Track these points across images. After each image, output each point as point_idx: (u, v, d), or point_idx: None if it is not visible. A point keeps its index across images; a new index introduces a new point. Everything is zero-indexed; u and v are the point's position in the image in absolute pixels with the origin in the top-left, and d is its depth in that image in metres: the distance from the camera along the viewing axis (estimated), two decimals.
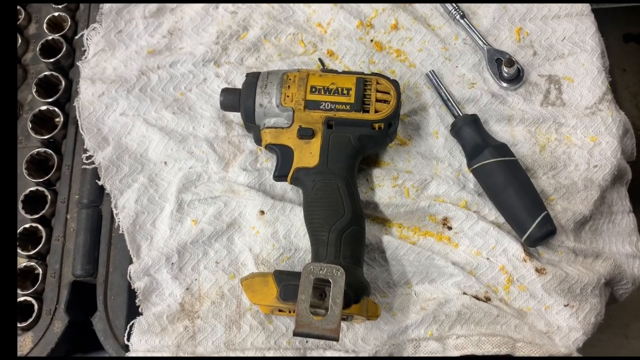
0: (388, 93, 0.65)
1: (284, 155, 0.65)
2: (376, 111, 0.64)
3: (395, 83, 0.66)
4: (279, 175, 0.65)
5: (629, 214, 0.70)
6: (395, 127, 0.66)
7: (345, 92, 0.64)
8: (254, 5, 0.78)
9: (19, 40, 0.79)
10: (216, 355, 0.62)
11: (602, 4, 0.74)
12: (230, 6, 0.78)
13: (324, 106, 0.64)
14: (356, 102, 0.64)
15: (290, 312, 0.61)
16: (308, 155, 0.64)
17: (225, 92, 0.68)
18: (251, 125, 0.67)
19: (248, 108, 0.66)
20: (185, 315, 0.64)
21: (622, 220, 0.69)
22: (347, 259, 0.59)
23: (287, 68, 0.74)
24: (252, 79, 0.66)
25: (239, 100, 0.67)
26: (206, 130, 0.72)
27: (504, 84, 0.72)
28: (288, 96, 0.65)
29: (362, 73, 0.67)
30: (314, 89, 0.65)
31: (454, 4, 0.75)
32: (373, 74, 0.67)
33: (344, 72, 0.67)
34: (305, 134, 0.65)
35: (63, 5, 0.80)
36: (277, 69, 0.68)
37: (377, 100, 0.64)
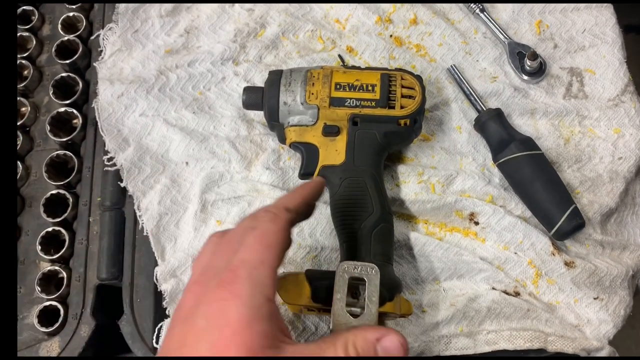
0: (413, 88, 0.65)
1: (309, 153, 0.65)
2: (402, 107, 0.64)
3: (419, 78, 0.66)
4: (305, 174, 0.65)
5: None
6: (421, 123, 0.66)
7: (370, 88, 0.64)
8: (270, 2, 0.77)
9: (34, 42, 0.78)
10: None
11: None
12: (246, 3, 0.78)
13: (349, 103, 0.64)
14: (382, 98, 0.63)
15: (319, 311, 0.60)
16: (334, 152, 0.64)
17: (247, 90, 0.67)
18: (275, 123, 0.66)
19: (272, 106, 0.65)
20: None
21: None
22: (377, 257, 0.59)
23: (307, 65, 0.73)
24: (275, 76, 0.66)
25: (262, 98, 0.66)
26: (227, 130, 0.71)
27: (526, 77, 0.72)
28: (312, 94, 0.64)
29: (386, 69, 0.66)
30: (338, 86, 0.64)
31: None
32: (397, 69, 0.66)
33: (367, 68, 0.66)
34: (331, 131, 0.64)
35: (77, 6, 0.79)
36: (299, 67, 0.68)
37: (403, 96, 0.64)
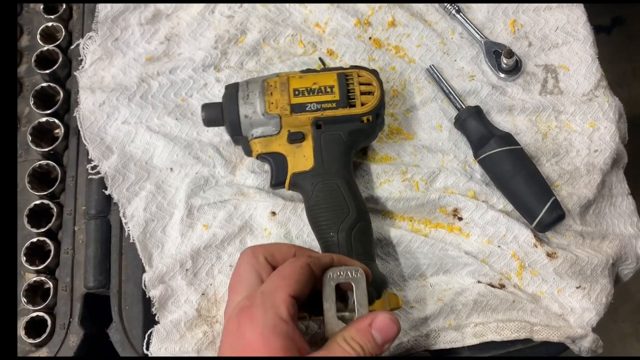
0: (370, 84, 0.65)
1: (277, 162, 0.64)
2: (362, 104, 0.64)
3: (375, 73, 0.66)
4: (276, 184, 0.64)
5: (627, 196, 0.72)
6: (383, 117, 0.66)
7: (329, 90, 0.64)
8: (250, 8, 0.78)
9: None
10: None
11: None
12: (226, 10, 0.78)
13: (310, 107, 0.63)
14: (341, 98, 0.63)
15: (309, 317, 0.60)
16: (302, 159, 0.64)
17: (206, 107, 0.65)
18: (238, 137, 0.65)
19: (233, 121, 0.64)
20: (202, 321, 0.64)
21: (622, 203, 0.71)
22: (360, 256, 0.59)
23: (288, 70, 0.73)
24: (232, 90, 0.65)
25: (221, 114, 0.65)
26: (211, 135, 0.72)
27: (503, 75, 0.73)
28: (272, 103, 0.63)
29: (342, 68, 0.67)
30: (297, 92, 0.64)
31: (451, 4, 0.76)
32: (352, 67, 0.67)
33: (322, 70, 0.67)
34: (296, 138, 0.64)
35: (56, 16, 0.79)
36: (254, 77, 0.67)
37: (362, 93, 0.64)
